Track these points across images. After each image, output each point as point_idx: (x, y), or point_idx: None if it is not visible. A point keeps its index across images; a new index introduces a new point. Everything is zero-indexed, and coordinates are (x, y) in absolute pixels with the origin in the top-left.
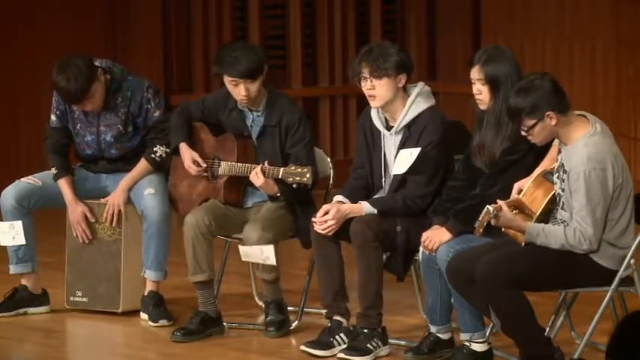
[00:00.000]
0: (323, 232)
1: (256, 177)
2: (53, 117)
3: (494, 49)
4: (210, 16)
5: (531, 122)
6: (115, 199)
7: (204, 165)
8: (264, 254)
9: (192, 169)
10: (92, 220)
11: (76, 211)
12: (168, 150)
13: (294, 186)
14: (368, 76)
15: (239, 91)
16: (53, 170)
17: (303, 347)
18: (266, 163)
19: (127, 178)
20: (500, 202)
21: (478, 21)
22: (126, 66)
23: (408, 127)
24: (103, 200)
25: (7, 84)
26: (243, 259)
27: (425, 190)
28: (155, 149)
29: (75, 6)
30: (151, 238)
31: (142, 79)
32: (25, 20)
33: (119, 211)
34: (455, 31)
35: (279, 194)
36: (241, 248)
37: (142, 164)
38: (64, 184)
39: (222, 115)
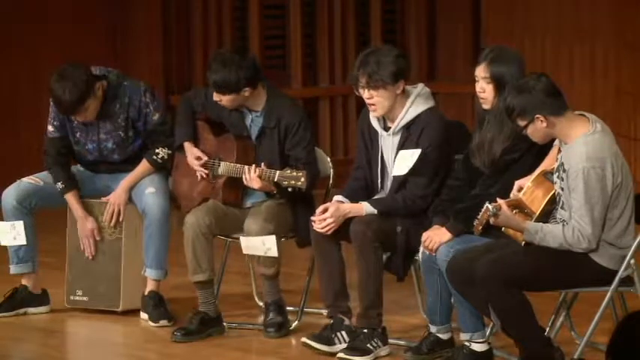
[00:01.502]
0: (322, 230)
1: (253, 182)
2: (50, 127)
3: (502, 49)
4: (210, 16)
5: (522, 123)
6: (116, 198)
7: (205, 158)
8: (265, 245)
9: (195, 164)
10: (98, 238)
11: (85, 227)
12: (170, 152)
13: (289, 189)
14: (365, 87)
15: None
16: (59, 185)
17: (304, 339)
18: (263, 165)
19: (128, 178)
20: (500, 201)
21: (478, 21)
22: (126, 66)
23: (407, 127)
24: (104, 199)
25: (7, 84)
26: (244, 251)
27: (425, 191)
28: (157, 151)
29: (75, 6)
30: (151, 237)
31: (137, 82)
32: (25, 20)
33: (119, 210)
34: (455, 31)
35: (274, 192)
36: (243, 240)
37: (144, 165)
38: (72, 199)
39: (223, 113)
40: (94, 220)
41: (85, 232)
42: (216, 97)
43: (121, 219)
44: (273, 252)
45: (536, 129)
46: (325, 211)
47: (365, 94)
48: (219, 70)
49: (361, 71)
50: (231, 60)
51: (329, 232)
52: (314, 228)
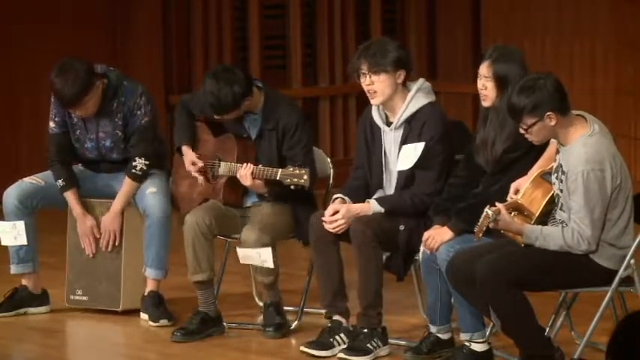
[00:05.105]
0: (333, 230)
1: (243, 179)
2: (52, 124)
3: (506, 48)
4: (210, 16)
5: (531, 121)
6: (110, 224)
7: (201, 164)
8: (261, 257)
9: (192, 170)
10: (98, 235)
11: (84, 225)
12: (147, 162)
13: (292, 187)
14: (366, 72)
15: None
16: (60, 182)
17: (302, 348)
18: (260, 166)
19: (118, 201)
20: (499, 206)
21: (478, 21)
22: (126, 66)
23: (408, 122)
24: (104, 200)
25: (7, 84)
26: (241, 261)
27: (433, 188)
28: (134, 163)
29: (75, 6)
30: (152, 237)
31: (136, 84)
32: (25, 20)
33: (115, 236)
34: (455, 31)
35: (266, 194)
36: (239, 250)
37: (127, 183)
38: (71, 198)
39: None
40: (92, 218)
41: (84, 230)
42: (218, 118)
43: (117, 243)
44: (269, 264)
45: (544, 127)
46: (336, 212)
47: (365, 80)
48: (215, 98)
49: (363, 58)
50: (218, 84)
51: (340, 232)
52: (325, 228)
